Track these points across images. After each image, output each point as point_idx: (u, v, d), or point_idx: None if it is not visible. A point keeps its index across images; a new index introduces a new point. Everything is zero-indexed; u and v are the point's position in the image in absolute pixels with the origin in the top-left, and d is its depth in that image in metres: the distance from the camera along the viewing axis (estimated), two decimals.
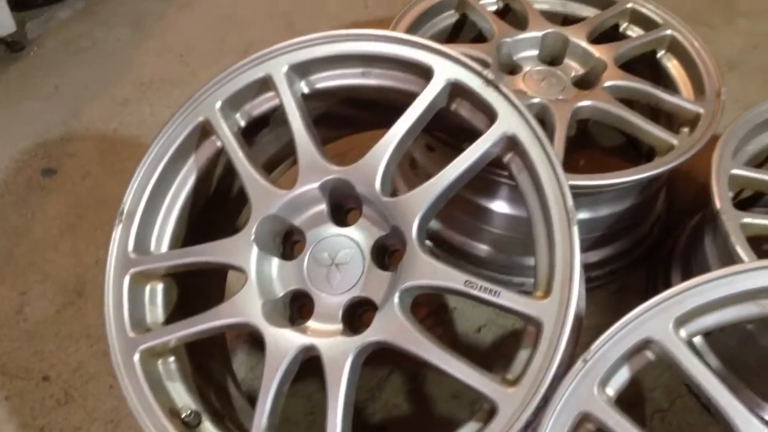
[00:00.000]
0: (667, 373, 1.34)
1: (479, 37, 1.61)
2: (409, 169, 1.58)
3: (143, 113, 1.86)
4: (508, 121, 0.97)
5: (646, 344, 0.86)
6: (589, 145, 1.80)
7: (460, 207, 1.44)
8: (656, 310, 0.86)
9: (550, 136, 1.34)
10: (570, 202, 0.91)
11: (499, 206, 1.40)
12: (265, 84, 1.08)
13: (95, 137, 1.80)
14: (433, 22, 1.65)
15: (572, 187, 1.16)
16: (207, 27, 2.18)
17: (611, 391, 0.89)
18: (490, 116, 0.98)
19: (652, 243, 1.59)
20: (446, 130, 1.27)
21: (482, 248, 1.51)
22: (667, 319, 0.85)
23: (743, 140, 1.35)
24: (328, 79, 1.10)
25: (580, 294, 0.91)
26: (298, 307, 1.04)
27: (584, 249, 1.49)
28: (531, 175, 0.96)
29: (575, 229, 0.90)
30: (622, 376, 0.90)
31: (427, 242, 1.54)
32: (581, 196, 1.37)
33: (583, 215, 1.43)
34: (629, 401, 1.28)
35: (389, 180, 1.01)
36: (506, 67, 1.55)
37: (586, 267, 1.51)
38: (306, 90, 1.10)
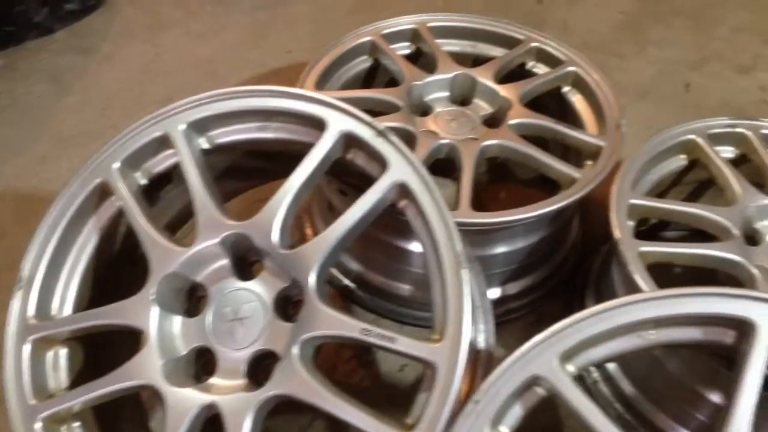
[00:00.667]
0: None
1: (392, 81, 1.65)
2: (328, 212, 1.60)
3: (62, 169, 1.85)
4: (399, 170, 1.00)
5: (534, 381, 0.89)
6: (510, 178, 1.85)
7: (380, 249, 1.46)
8: (541, 347, 0.88)
9: (460, 174, 1.38)
10: (459, 246, 0.94)
11: (417, 246, 1.43)
12: (164, 142, 1.09)
13: (12, 196, 1.78)
14: (347, 67, 1.69)
15: (478, 225, 1.21)
16: (128, 79, 2.18)
17: (505, 429, 0.92)
18: (383, 165, 1.01)
19: (567, 271, 1.63)
20: (354, 176, 1.29)
21: (404, 288, 1.53)
22: (552, 356, 0.88)
23: (643, 170, 1.41)
24: (228, 134, 1.12)
25: (487, 330, 0.93)
26: (202, 364, 1.04)
27: (503, 281, 1.54)
28: (423, 221, 0.98)
29: (465, 272, 0.93)
30: (515, 413, 0.92)
31: (349, 284, 1.56)
32: (494, 231, 1.41)
33: (500, 249, 1.47)
34: (545, 427, 1.30)
35: (287, 232, 1.03)
36: (418, 108, 1.59)
37: (506, 299, 1.55)
38: (206, 145, 1.11)
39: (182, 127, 1.07)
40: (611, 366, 1.36)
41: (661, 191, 1.51)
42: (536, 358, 0.88)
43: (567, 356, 0.89)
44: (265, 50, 2.30)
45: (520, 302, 1.56)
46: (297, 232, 1.73)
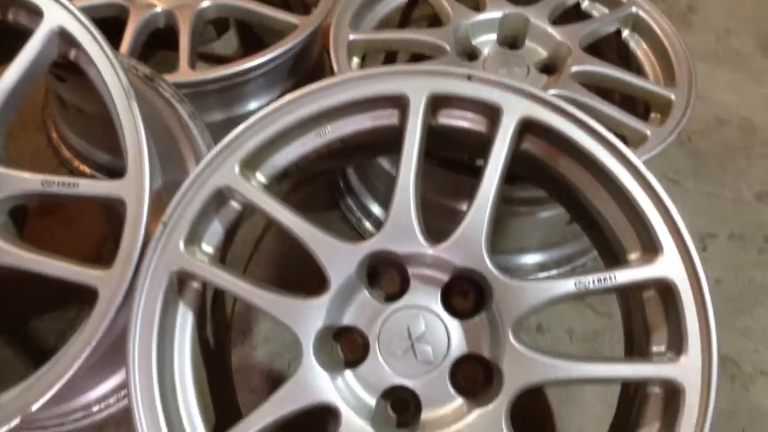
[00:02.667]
0: None
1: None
2: (63, 108, 1.52)
3: None
4: (55, 16, 0.95)
5: (223, 193, 0.90)
6: None
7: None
8: (221, 158, 0.89)
9: (177, 37, 1.34)
10: (125, 82, 0.92)
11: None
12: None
13: None
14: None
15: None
16: None
17: (209, 248, 0.93)
18: (37, 13, 0.95)
19: None
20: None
21: None
22: (234, 164, 0.89)
23: (364, 7, 1.43)
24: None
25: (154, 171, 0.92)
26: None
27: None
28: (89, 61, 0.94)
29: (134, 105, 0.91)
30: (215, 231, 0.94)
31: None
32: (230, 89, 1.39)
33: (252, 105, 1.45)
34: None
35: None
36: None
37: None
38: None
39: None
40: (355, 183, 1.42)
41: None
42: (218, 170, 0.89)
43: (250, 164, 0.91)
44: None
45: None
46: (44, 136, 1.65)
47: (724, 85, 1.85)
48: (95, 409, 1.16)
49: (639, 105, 1.39)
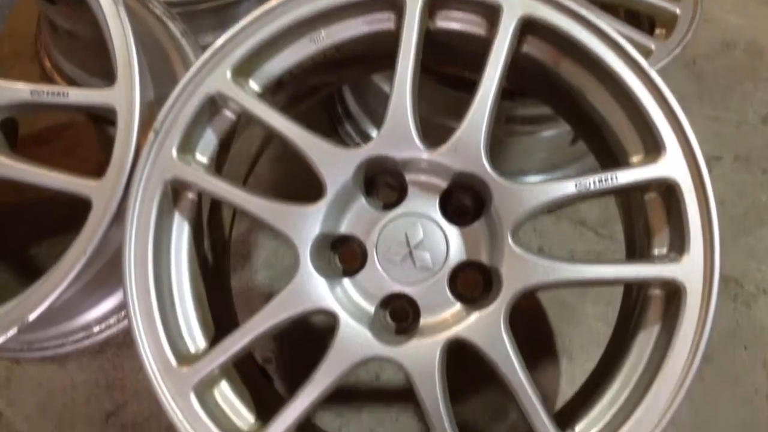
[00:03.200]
0: None
1: None
2: (55, 33, 1.49)
3: None
4: None
5: (216, 101, 0.88)
6: None
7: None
8: (212, 63, 0.86)
9: None
10: None
11: None
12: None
13: None
14: None
15: None
16: None
17: (203, 158, 0.92)
18: None
19: None
20: None
21: None
22: (225, 69, 0.86)
23: None
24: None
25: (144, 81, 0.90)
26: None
27: None
28: None
29: (122, 10, 0.88)
30: (209, 140, 0.92)
31: None
32: None
33: None
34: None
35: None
36: None
37: None
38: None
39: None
40: (354, 109, 1.40)
41: None
42: (210, 76, 0.86)
43: (243, 70, 0.88)
44: None
45: None
46: (37, 66, 1.62)
47: (731, 6, 1.80)
48: (96, 329, 1.16)
49: (644, 21, 1.35)
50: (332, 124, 1.53)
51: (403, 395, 1.23)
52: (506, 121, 1.26)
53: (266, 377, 1.10)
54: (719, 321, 1.28)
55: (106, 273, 1.01)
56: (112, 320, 1.17)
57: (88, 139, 1.48)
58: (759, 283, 1.33)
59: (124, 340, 1.22)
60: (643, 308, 0.85)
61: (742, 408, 1.22)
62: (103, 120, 1.43)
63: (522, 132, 1.30)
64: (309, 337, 1.12)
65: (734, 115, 1.59)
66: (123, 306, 1.12)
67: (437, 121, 1.26)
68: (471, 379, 1.13)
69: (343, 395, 1.22)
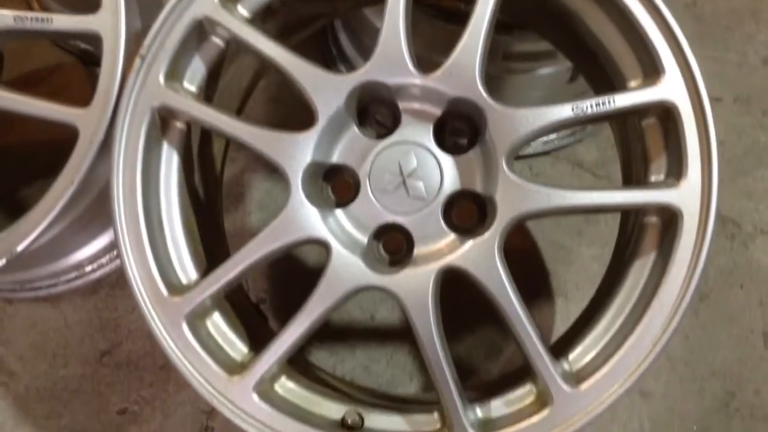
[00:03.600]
0: None
1: None
2: None
3: None
4: None
5: (204, 27, 0.86)
6: None
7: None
8: None
9: None
10: None
11: None
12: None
13: None
14: None
15: None
16: None
17: (192, 86, 0.90)
18: None
19: None
20: None
21: None
22: None
23: None
24: None
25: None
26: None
27: None
28: None
29: None
30: (197, 69, 0.90)
31: None
32: None
33: None
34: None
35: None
36: None
37: None
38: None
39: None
40: (349, 51, 1.37)
41: None
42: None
43: None
44: None
45: None
46: (24, 5, 1.58)
47: None
48: (88, 269, 1.15)
49: None
50: (327, 66, 1.50)
51: (399, 334, 1.23)
52: (503, 58, 1.23)
53: (261, 315, 1.10)
54: (716, 260, 1.28)
55: (96, 209, 1.00)
56: (104, 260, 1.16)
57: (75, 82, 1.46)
58: (756, 224, 1.32)
59: (117, 281, 1.21)
60: (639, 236, 0.84)
61: (736, 346, 1.22)
62: (92, 62, 1.41)
63: (519, 69, 1.27)
64: (302, 278, 1.11)
65: (735, 56, 1.56)
66: (114, 245, 1.12)
67: (434, 59, 1.24)
68: (465, 318, 1.13)
69: (337, 334, 1.22)
